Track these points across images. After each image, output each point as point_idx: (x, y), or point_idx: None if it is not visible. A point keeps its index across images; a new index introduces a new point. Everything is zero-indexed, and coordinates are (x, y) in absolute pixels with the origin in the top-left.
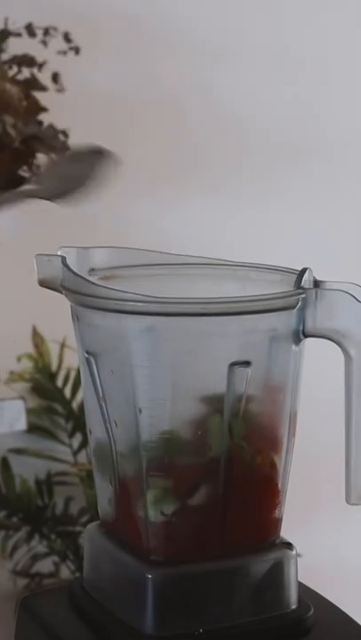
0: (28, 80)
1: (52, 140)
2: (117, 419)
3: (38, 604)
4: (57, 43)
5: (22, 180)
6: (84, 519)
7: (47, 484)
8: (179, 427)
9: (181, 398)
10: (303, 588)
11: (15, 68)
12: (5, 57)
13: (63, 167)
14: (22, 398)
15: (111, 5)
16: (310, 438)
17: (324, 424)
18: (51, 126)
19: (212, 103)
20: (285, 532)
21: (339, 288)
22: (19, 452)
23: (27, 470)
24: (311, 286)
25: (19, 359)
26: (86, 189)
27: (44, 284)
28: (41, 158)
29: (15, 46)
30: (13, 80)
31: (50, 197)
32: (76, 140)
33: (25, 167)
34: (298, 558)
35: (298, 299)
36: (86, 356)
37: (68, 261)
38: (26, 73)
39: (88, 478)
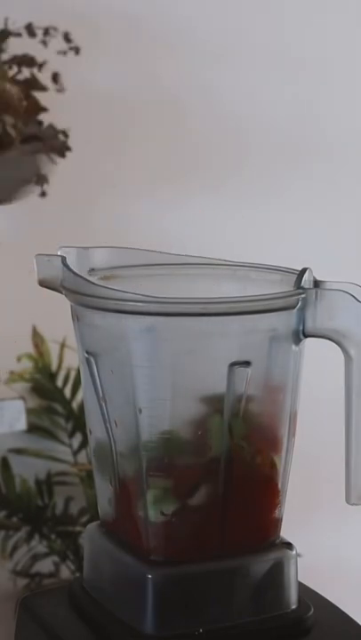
0: (28, 80)
1: (52, 139)
2: (117, 419)
3: (38, 604)
4: (57, 43)
5: None
6: (84, 519)
7: (47, 484)
8: (179, 427)
9: (181, 398)
10: (303, 588)
11: (15, 68)
12: (5, 57)
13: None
14: (22, 398)
15: (111, 5)
16: (310, 438)
17: (324, 424)
18: (51, 126)
19: (212, 103)
20: (285, 532)
21: (339, 288)
22: (19, 451)
23: (27, 470)
24: (311, 286)
25: (19, 359)
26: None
27: (44, 283)
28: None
29: (15, 46)
30: (13, 80)
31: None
32: (77, 139)
33: None
34: (298, 558)
35: (298, 299)
36: (86, 356)
37: (68, 261)
38: (26, 73)
39: (88, 478)
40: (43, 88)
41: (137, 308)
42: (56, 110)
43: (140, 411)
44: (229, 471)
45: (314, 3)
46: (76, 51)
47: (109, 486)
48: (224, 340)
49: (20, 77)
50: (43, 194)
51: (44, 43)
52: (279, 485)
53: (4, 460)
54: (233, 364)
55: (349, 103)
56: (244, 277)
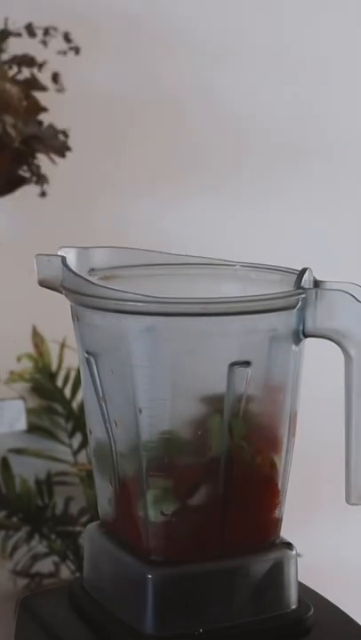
0: (28, 80)
1: (52, 139)
2: (117, 419)
3: (38, 604)
4: (57, 43)
5: (22, 180)
6: (84, 519)
7: (47, 484)
8: (179, 427)
9: (181, 398)
10: (303, 588)
11: (15, 68)
12: (5, 57)
13: None
14: (22, 398)
15: (111, 5)
16: (310, 438)
17: (324, 424)
18: (51, 126)
19: (212, 103)
20: (285, 532)
21: (339, 288)
22: (19, 451)
23: (27, 470)
24: (311, 286)
25: (19, 359)
26: None
27: (44, 283)
28: (41, 158)
29: (15, 46)
30: (13, 80)
31: None
32: (77, 139)
33: (25, 167)
34: (298, 558)
35: (298, 299)
36: (86, 356)
37: (68, 261)
38: (26, 73)
39: (88, 478)
40: (43, 88)
41: (137, 308)
42: (56, 110)
43: (140, 411)
44: (229, 471)
45: (314, 3)
46: (76, 51)
47: (109, 486)
48: (224, 340)
49: (20, 77)
50: (43, 194)
51: (44, 43)
52: (279, 485)
53: (4, 460)
54: (233, 364)
55: (349, 103)
56: (244, 277)
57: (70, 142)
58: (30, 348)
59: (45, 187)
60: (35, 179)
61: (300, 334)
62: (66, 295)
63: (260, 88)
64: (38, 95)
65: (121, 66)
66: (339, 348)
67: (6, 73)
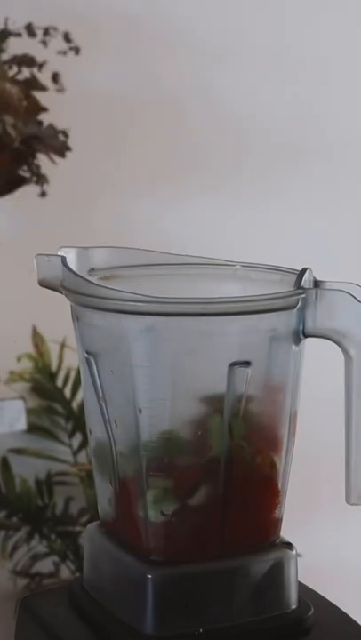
0: (28, 80)
1: (52, 139)
2: (117, 419)
3: (38, 604)
4: (57, 43)
5: (22, 180)
6: (84, 519)
7: (47, 484)
8: (179, 427)
9: (181, 398)
10: (303, 588)
11: (15, 68)
12: (5, 57)
13: None
14: (22, 398)
15: (111, 5)
16: (310, 438)
17: (324, 424)
18: (51, 126)
19: (212, 103)
20: (285, 532)
21: (339, 288)
22: (19, 451)
23: (27, 470)
24: (311, 286)
25: (19, 359)
26: None
27: (43, 283)
28: (41, 158)
29: (15, 46)
30: (13, 80)
31: None
32: (77, 139)
33: (25, 167)
34: (298, 558)
35: (298, 299)
36: (86, 356)
37: (68, 261)
38: (26, 73)
39: (88, 478)
40: (43, 88)
41: (137, 308)
42: (56, 110)
43: (140, 411)
44: (229, 471)
45: (314, 3)
46: (76, 51)
47: (109, 486)
48: (224, 340)
49: (20, 77)
50: (43, 194)
51: (44, 43)
52: (279, 485)
53: (4, 460)
54: (233, 364)
55: (349, 103)
56: (244, 277)
57: (70, 142)
58: (30, 348)
59: (45, 187)
60: (35, 179)
61: (300, 334)
62: (66, 295)
63: (260, 88)
64: (38, 95)
65: (121, 66)
66: (339, 348)
67: (6, 73)
